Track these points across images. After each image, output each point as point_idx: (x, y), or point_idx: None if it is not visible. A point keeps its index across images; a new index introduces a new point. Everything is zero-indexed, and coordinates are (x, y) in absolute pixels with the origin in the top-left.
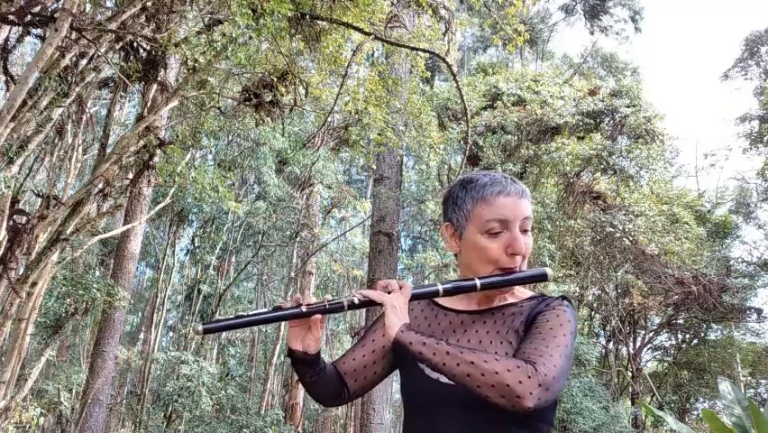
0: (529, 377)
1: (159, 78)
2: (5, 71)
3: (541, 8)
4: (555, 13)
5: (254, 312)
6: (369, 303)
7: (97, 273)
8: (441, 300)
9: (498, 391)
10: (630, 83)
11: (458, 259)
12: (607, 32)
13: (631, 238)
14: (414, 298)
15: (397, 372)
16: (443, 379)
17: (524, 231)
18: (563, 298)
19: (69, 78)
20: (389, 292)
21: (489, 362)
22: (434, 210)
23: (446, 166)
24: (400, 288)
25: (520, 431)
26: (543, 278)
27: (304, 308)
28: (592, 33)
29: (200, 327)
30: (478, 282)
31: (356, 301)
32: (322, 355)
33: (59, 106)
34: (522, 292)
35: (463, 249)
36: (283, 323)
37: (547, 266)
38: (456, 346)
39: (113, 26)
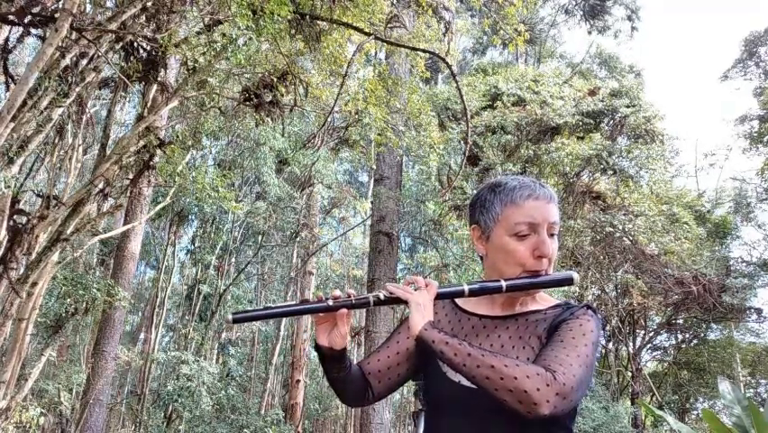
0: (548, 385)
1: (159, 79)
2: (5, 71)
3: (541, 9)
4: (555, 13)
5: (281, 304)
6: (394, 300)
7: (97, 273)
8: (464, 304)
9: (516, 396)
10: (630, 83)
11: (483, 262)
12: (604, 31)
13: (631, 238)
14: (439, 297)
15: None
16: (465, 382)
17: (551, 235)
18: (588, 307)
19: (69, 78)
20: (415, 289)
21: (509, 367)
22: (435, 210)
23: (447, 166)
24: (426, 285)
25: None
26: (569, 282)
27: (330, 302)
28: (590, 33)
29: (230, 317)
30: (504, 284)
31: (382, 297)
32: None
33: (60, 107)
34: (546, 300)
35: (490, 251)
36: (284, 322)
37: None
38: (478, 349)
39: (113, 26)
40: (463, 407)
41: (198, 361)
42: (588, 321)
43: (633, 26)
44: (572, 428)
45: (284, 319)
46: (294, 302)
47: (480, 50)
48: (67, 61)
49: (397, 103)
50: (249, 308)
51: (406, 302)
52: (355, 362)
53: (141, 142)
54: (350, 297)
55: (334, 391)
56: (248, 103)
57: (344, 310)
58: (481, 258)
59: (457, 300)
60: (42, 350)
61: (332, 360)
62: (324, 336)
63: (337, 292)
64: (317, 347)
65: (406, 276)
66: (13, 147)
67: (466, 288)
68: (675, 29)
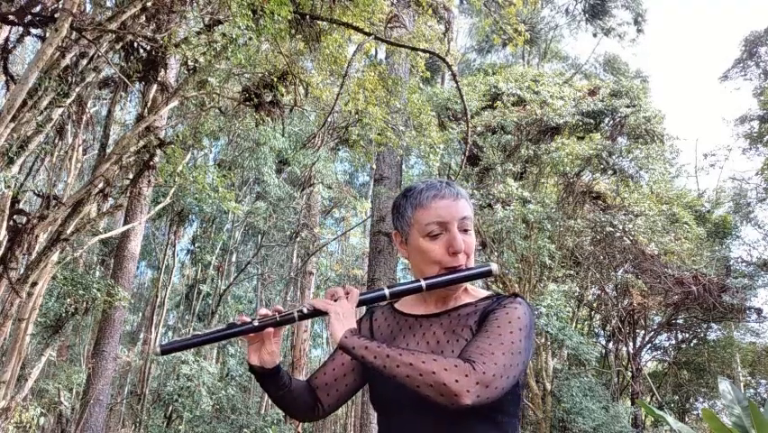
0: (466, 375)
1: (159, 79)
2: (6, 71)
3: (542, 10)
4: (557, 15)
5: (209, 330)
6: (316, 313)
7: (98, 273)
8: (402, 307)
9: (436, 390)
10: (630, 83)
11: (410, 264)
12: (609, 34)
13: (631, 238)
14: (361, 303)
15: None
16: None
17: (464, 230)
18: (516, 295)
19: (70, 78)
20: (336, 300)
21: (426, 362)
22: None
23: (447, 167)
24: (347, 294)
25: (483, 426)
26: (487, 274)
27: (255, 322)
28: (595, 35)
29: (158, 349)
30: (423, 283)
31: (305, 311)
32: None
33: (60, 106)
34: (478, 292)
35: (410, 254)
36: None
37: (547, 266)
38: (396, 349)
39: (113, 26)
40: (406, 406)
41: (198, 361)
42: (515, 309)
43: (639, 29)
44: (517, 414)
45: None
46: (221, 327)
47: (486, 48)
48: (67, 61)
49: (398, 103)
50: (177, 339)
51: (326, 314)
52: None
53: (141, 142)
54: (275, 315)
55: (281, 409)
56: (248, 103)
57: (271, 329)
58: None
59: (396, 305)
60: (42, 350)
61: (266, 378)
62: (255, 355)
63: (263, 311)
64: (250, 367)
65: (329, 288)
66: (13, 147)
67: (387, 291)
68: (674, 29)
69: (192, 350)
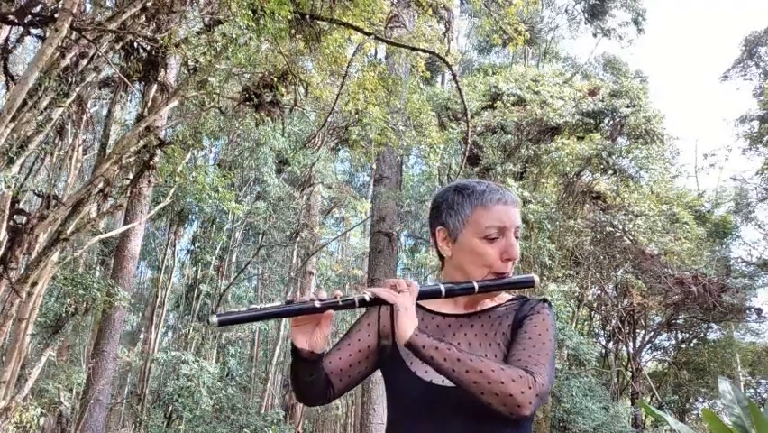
0: (530, 387)
1: (159, 79)
2: (6, 71)
3: (542, 11)
4: (557, 15)
5: (267, 306)
6: (379, 301)
7: (98, 273)
8: (427, 304)
9: (501, 399)
10: (630, 84)
11: (446, 262)
12: (609, 34)
13: (631, 238)
14: (419, 297)
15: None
16: (436, 380)
17: (516, 238)
18: (545, 300)
19: (70, 78)
20: (399, 291)
21: (495, 371)
22: None
23: (447, 167)
24: (408, 286)
25: (510, 430)
26: (530, 284)
27: (317, 303)
28: (595, 36)
29: (215, 319)
30: (476, 285)
31: (367, 299)
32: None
33: (60, 106)
34: (503, 295)
35: (456, 252)
36: (284, 321)
37: (547, 266)
38: (466, 353)
39: (113, 26)
40: (434, 406)
41: (198, 361)
42: (548, 315)
43: (639, 29)
44: (532, 418)
45: (285, 319)
46: (279, 303)
47: (487, 48)
48: (67, 61)
49: (398, 103)
50: (233, 310)
51: (390, 304)
52: None
53: (141, 142)
54: (336, 298)
55: (297, 391)
56: (248, 103)
57: (330, 311)
58: (441, 259)
59: (420, 301)
60: (42, 350)
61: (308, 363)
62: (305, 338)
63: (323, 294)
64: (295, 350)
65: (386, 279)
66: (14, 147)
67: (443, 288)
68: (674, 29)
69: (192, 349)
